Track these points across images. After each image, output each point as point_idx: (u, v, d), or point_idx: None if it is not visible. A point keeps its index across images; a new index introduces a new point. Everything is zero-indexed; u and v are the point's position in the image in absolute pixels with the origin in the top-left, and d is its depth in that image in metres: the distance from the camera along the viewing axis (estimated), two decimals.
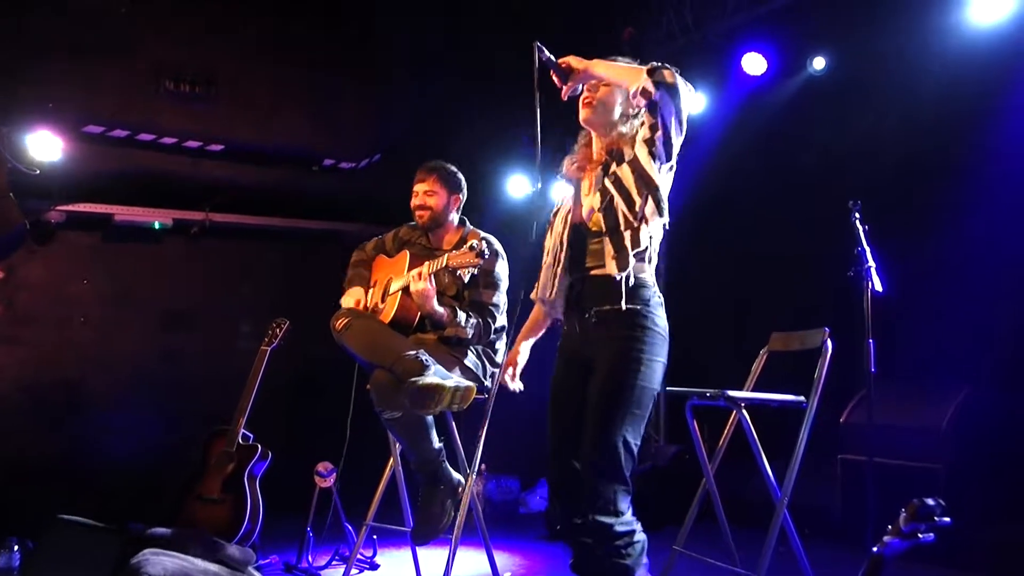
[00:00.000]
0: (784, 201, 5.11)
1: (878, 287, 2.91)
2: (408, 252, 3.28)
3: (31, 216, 4.51)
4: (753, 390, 3.08)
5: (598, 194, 2.40)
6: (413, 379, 2.75)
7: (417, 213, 3.32)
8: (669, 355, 2.40)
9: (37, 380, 4.91)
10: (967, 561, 3.76)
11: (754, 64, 5.24)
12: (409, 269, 3.17)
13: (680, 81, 2.34)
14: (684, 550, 3.04)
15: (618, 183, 2.36)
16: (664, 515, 3.97)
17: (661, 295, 2.43)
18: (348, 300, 3.27)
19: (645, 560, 2.34)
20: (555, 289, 2.48)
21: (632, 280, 2.34)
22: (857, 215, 3.01)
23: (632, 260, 2.34)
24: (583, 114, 2.48)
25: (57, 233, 4.96)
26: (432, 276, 2.98)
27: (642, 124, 2.37)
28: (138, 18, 4.58)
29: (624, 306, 2.34)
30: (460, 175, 3.37)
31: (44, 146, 4.25)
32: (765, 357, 3.16)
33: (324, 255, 5.24)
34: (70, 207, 4.86)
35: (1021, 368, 4.22)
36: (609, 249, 2.36)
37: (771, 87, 5.32)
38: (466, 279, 3.00)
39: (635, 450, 2.32)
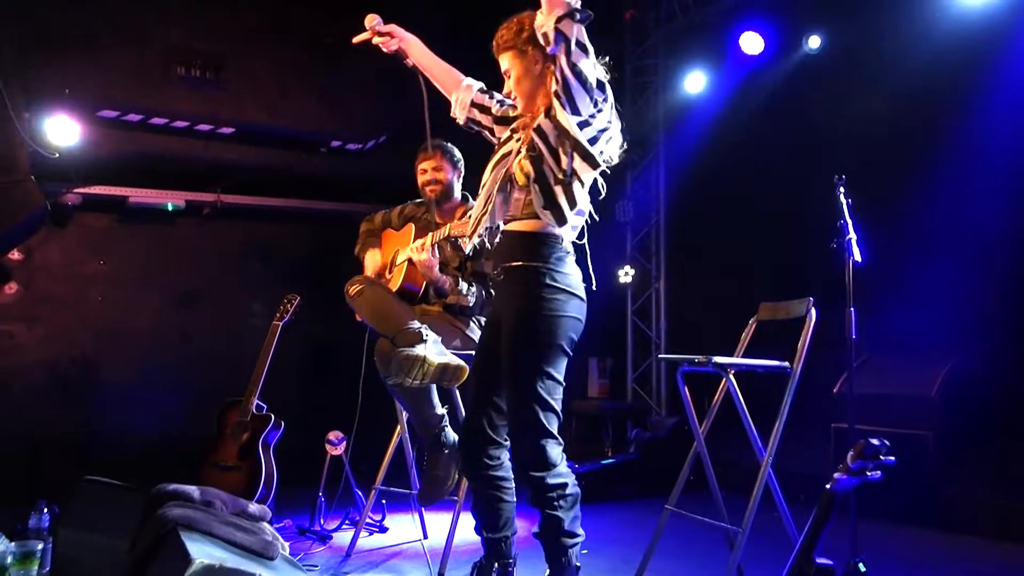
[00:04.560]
0: (779, 176, 5.22)
1: (857, 257, 3.01)
2: (413, 225, 3.43)
3: (51, 198, 4.66)
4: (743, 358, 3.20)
5: (525, 148, 2.39)
6: (400, 349, 2.89)
7: (428, 188, 3.44)
8: (594, 313, 2.44)
9: (56, 357, 5.09)
10: (957, 524, 3.91)
11: (751, 43, 5.35)
12: (414, 241, 3.31)
13: (576, 36, 2.25)
14: (676, 509, 3.18)
15: (543, 137, 2.34)
16: (663, 483, 4.12)
17: (571, 251, 2.42)
18: (369, 259, 3.46)
19: (577, 512, 2.39)
20: (476, 238, 2.47)
21: (539, 237, 2.35)
22: (841, 189, 3.11)
23: (570, 215, 2.34)
24: (519, 108, 2.49)
25: (74, 215, 5.12)
26: (435, 247, 3.13)
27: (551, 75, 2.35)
28: (149, 5, 4.71)
29: (525, 263, 2.36)
30: (458, 152, 3.50)
31: (62, 130, 4.39)
32: (754, 326, 3.28)
33: (332, 235, 5.38)
34: (87, 190, 5.01)
35: (1007, 339, 4.34)
36: (538, 200, 2.33)
37: (768, 66, 5.42)
38: (468, 250, 3.15)
39: (554, 404, 2.33)
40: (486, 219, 2.44)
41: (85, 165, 4.77)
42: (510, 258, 2.40)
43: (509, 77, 2.47)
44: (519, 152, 2.44)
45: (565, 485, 2.36)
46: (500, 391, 2.46)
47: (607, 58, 2.46)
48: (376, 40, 2.64)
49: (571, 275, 2.41)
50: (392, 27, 2.64)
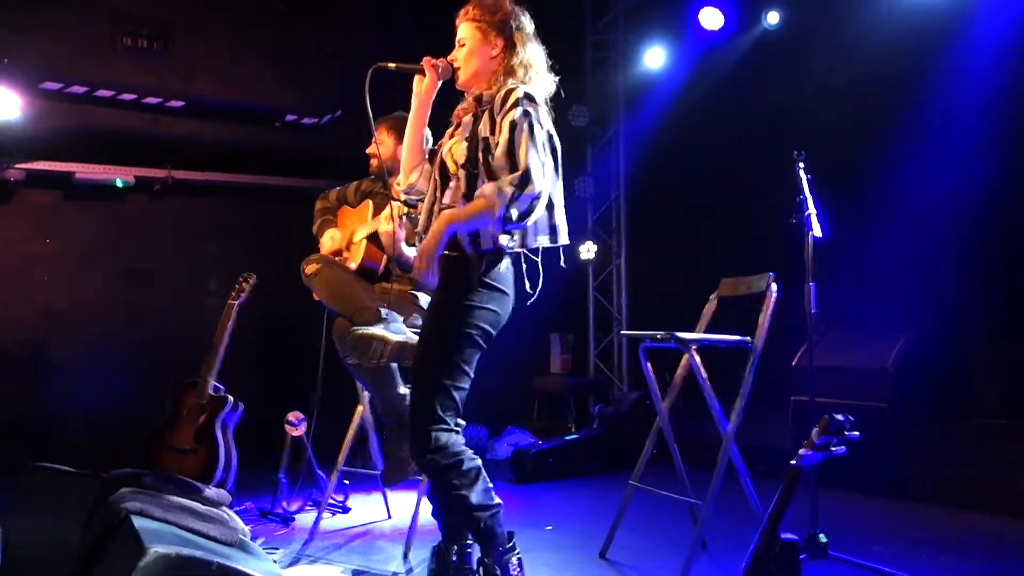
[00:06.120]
0: (738, 151, 5.25)
1: (817, 233, 3.03)
2: (371, 202, 3.35)
3: None
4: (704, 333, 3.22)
5: (464, 142, 2.37)
6: (357, 328, 2.85)
7: (370, 162, 3.39)
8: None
9: (1, 340, 4.92)
10: (910, 494, 4.00)
11: (711, 18, 5.34)
12: (373, 217, 3.24)
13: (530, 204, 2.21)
14: (640, 484, 3.20)
15: (485, 143, 2.32)
16: (627, 458, 4.15)
17: (513, 247, 2.33)
18: (326, 241, 3.36)
19: (482, 484, 2.35)
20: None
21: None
22: (801, 164, 3.12)
23: None
24: (458, 80, 2.48)
25: (16, 192, 4.93)
26: (402, 219, 3.06)
27: (511, 107, 2.28)
28: None
29: (451, 252, 2.30)
30: None
31: (1, 103, 4.21)
32: (715, 302, 3.29)
33: (288, 210, 5.26)
34: (29, 165, 4.82)
35: (960, 315, 4.44)
36: (461, 187, 2.33)
37: (727, 41, 5.42)
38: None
39: (455, 393, 2.31)
40: (436, 210, 2.42)
41: (27, 139, 4.58)
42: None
43: (462, 46, 2.45)
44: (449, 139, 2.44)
45: (460, 463, 2.32)
46: None
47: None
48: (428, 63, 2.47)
49: (504, 271, 2.37)
50: (442, 68, 2.48)
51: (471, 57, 2.44)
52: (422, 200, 2.59)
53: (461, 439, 2.36)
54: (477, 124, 2.37)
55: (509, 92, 2.33)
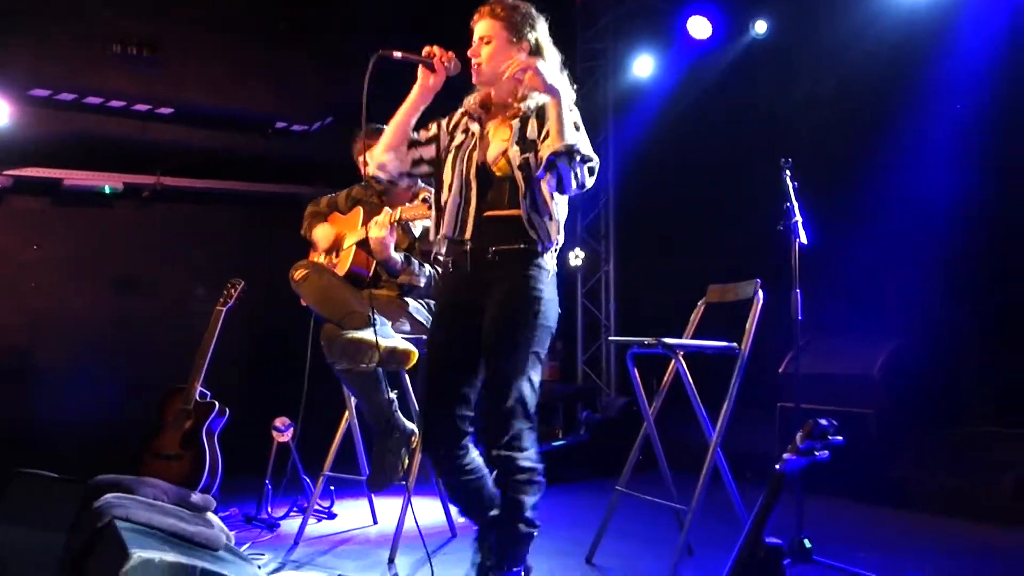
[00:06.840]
0: (727, 159, 5.28)
1: (803, 240, 3.06)
2: (361, 209, 3.36)
3: None
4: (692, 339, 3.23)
5: (516, 146, 2.37)
6: (345, 332, 2.86)
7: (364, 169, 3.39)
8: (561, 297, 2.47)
9: None
10: (896, 500, 4.01)
11: (699, 28, 5.38)
12: (363, 224, 3.25)
13: (587, 178, 2.31)
14: (626, 490, 3.20)
15: (534, 145, 2.36)
16: (614, 464, 4.16)
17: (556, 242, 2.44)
18: (321, 232, 3.39)
19: (539, 501, 2.36)
20: (470, 228, 2.41)
21: (531, 224, 2.35)
22: (788, 172, 3.15)
23: (552, 209, 2.37)
24: (474, 76, 2.49)
25: (4, 198, 4.92)
26: (392, 226, 3.07)
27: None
28: None
29: (526, 246, 2.36)
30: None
31: None
32: (703, 308, 3.31)
33: (277, 218, 5.26)
34: (18, 172, 4.83)
35: (947, 322, 4.47)
36: (521, 188, 2.35)
37: (715, 51, 5.47)
38: (416, 232, 3.11)
39: (537, 386, 2.35)
40: (472, 213, 2.41)
41: (16, 146, 4.59)
42: (507, 240, 2.37)
43: (487, 43, 2.44)
44: (483, 138, 2.44)
45: (535, 470, 2.34)
46: (470, 380, 2.42)
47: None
48: (436, 58, 2.46)
49: (554, 263, 2.45)
50: (452, 64, 2.48)
51: (497, 57, 2.43)
52: (391, 182, 2.63)
53: None
54: (525, 128, 2.40)
55: None
